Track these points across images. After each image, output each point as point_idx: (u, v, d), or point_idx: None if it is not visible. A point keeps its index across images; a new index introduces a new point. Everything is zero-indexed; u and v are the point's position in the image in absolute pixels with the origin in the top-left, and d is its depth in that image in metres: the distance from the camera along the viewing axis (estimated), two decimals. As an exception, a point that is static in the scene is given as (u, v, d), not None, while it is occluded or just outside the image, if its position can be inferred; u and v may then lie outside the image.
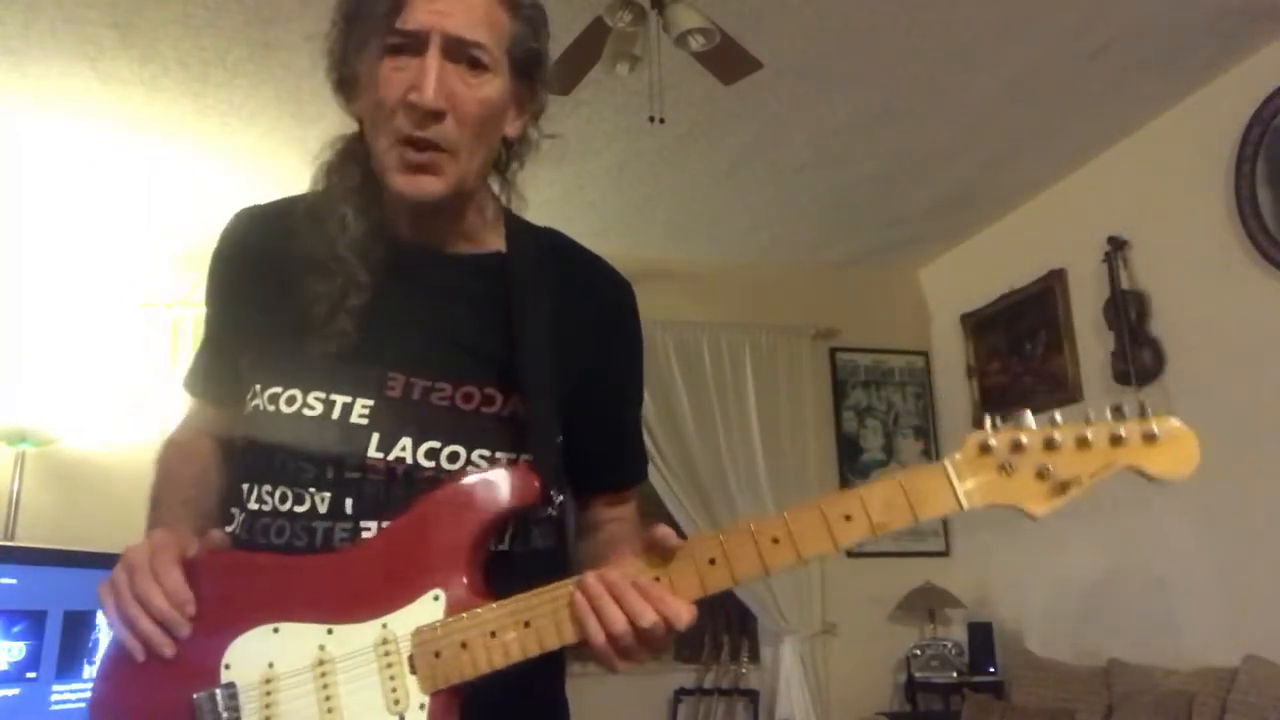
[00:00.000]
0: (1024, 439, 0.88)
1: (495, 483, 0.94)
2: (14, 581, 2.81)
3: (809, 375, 4.81)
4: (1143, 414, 0.89)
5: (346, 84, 1.03)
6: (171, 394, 4.07)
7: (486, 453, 0.99)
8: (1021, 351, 4.42)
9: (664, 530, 0.90)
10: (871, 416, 4.99)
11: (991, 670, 4.24)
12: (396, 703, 0.88)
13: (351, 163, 1.04)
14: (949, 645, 4.38)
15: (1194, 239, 3.54)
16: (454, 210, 1.04)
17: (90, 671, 2.96)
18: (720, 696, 4.39)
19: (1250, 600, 3.25)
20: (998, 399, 4.56)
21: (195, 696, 0.91)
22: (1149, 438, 0.87)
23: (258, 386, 1.02)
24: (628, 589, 0.86)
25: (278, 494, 0.99)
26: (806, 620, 4.48)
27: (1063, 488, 0.87)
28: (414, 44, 0.95)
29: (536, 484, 0.94)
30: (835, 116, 3.65)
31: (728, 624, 4.61)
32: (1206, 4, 3.05)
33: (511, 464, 0.96)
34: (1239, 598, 3.29)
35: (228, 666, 0.92)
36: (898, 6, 3.00)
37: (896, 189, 4.26)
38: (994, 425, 0.90)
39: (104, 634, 2.98)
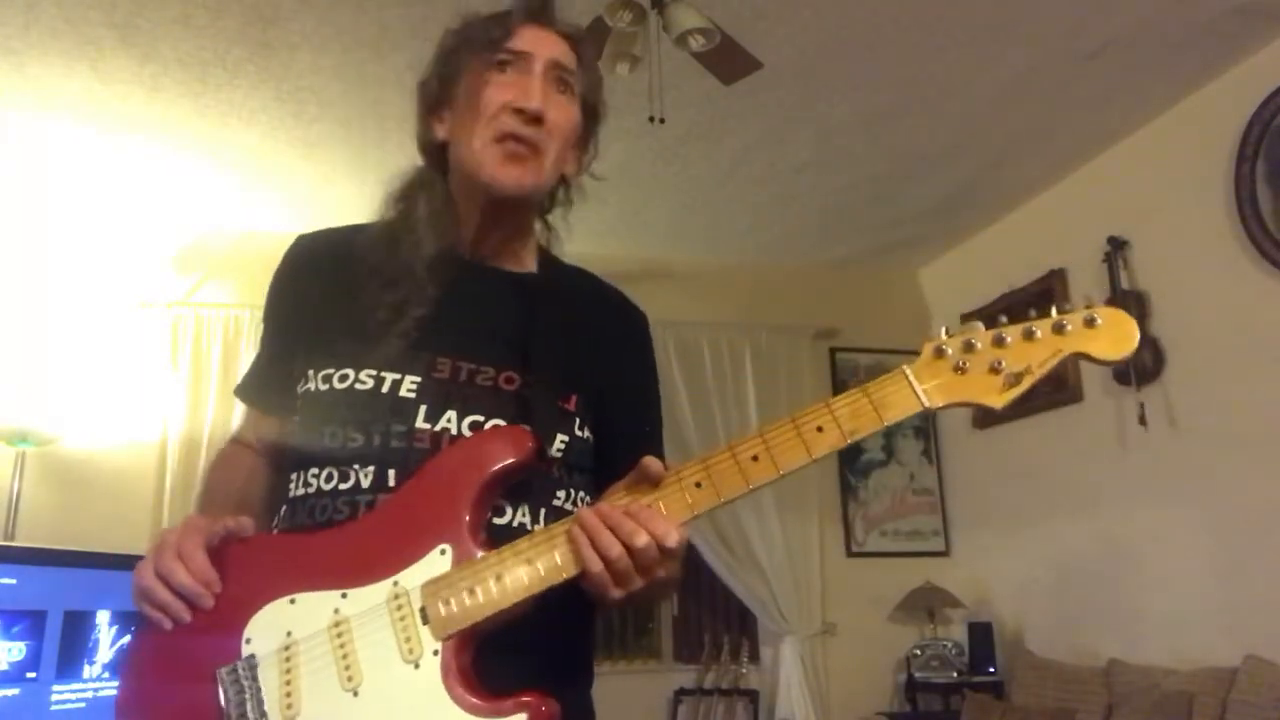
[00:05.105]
0: (975, 340, 0.94)
1: (493, 441, 1.00)
2: (14, 581, 2.81)
3: (809, 375, 4.80)
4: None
5: (440, 105, 1.17)
6: (171, 394, 4.07)
7: (530, 427, 1.04)
8: (1021, 351, 4.41)
9: (649, 459, 0.94)
10: (871, 416, 4.98)
11: (991, 670, 4.24)
12: (411, 651, 0.92)
13: (429, 190, 1.16)
14: (949, 645, 4.38)
15: (1194, 239, 3.54)
16: (514, 225, 1.17)
17: (90, 671, 2.96)
18: (720, 696, 4.39)
19: (1250, 600, 3.25)
20: (998, 399, 4.56)
21: (218, 671, 0.95)
22: (1090, 323, 0.92)
23: (310, 371, 1.09)
24: (620, 516, 0.91)
25: (323, 474, 1.04)
26: (806, 620, 4.48)
27: (1016, 379, 0.92)
28: (519, 63, 1.13)
29: (530, 441, 0.99)
30: (835, 116, 3.65)
31: (728, 624, 4.61)
32: (1206, 4, 3.05)
33: (508, 425, 1.02)
34: (1239, 598, 3.29)
35: (248, 641, 0.96)
36: (898, 6, 3.00)
37: (896, 189, 4.26)
38: (947, 333, 0.95)
39: (104, 634, 3.00)
